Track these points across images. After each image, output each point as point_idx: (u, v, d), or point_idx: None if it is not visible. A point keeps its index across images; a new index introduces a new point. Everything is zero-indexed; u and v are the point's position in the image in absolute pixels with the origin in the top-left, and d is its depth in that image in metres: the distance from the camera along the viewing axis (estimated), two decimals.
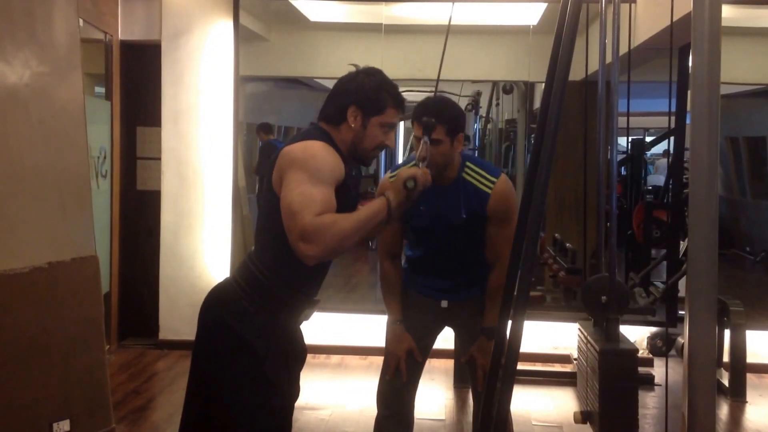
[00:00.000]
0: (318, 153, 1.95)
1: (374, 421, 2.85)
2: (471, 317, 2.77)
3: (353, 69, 2.15)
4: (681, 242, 5.10)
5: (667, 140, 7.55)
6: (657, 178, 10.19)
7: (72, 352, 3.13)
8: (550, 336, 5.03)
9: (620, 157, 6.72)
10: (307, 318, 2.18)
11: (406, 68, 5.62)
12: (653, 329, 5.09)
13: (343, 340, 5.12)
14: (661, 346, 4.98)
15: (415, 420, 2.90)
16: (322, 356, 5.02)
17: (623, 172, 7.27)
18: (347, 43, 6.09)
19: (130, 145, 5.24)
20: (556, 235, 5.81)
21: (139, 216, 5.26)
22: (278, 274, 2.05)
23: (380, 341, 3.01)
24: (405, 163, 2.79)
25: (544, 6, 5.32)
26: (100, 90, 5.18)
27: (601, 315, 2.85)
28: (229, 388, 2.05)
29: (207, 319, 2.12)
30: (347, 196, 2.00)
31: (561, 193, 5.94)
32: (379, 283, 2.91)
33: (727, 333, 4.45)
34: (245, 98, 5.73)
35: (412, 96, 5.30)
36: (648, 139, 9.05)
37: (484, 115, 7.75)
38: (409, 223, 2.74)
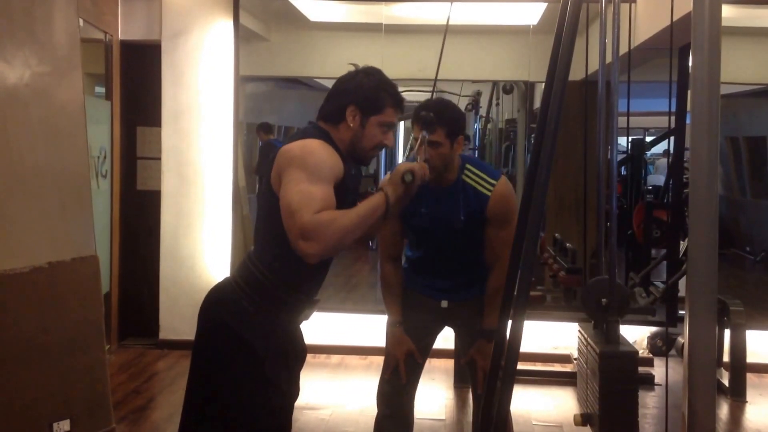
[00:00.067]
0: (316, 151, 1.95)
1: (374, 421, 2.85)
2: (471, 317, 2.77)
3: (352, 68, 2.15)
4: (681, 242, 5.10)
5: (667, 140, 7.55)
6: (657, 178, 10.18)
7: (72, 352, 3.13)
8: (550, 336, 5.03)
9: (620, 156, 6.72)
10: (306, 318, 2.17)
11: (406, 68, 5.62)
12: (653, 329, 5.09)
13: (343, 340, 5.12)
14: (661, 346, 4.98)
15: (415, 419, 2.90)
16: (323, 356, 5.02)
17: (623, 171, 7.27)
18: (347, 43, 6.09)
19: (130, 145, 5.24)
20: (556, 234, 5.81)
21: (139, 216, 5.26)
22: (278, 274, 2.05)
23: (380, 341, 3.01)
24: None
25: (544, 6, 5.32)
26: (100, 90, 5.18)
27: (601, 317, 2.85)
28: (228, 388, 2.05)
29: (206, 319, 2.12)
30: (346, 194, 2.00)
31: (561, 192, 5.94)
32: (379, 283, 2.91)
33: (727, 333, 4.45)
34: (245, 98, 5.73)
35: (412, 96, 5.31)
36: (648, 138, 9.05)
37: (484, 114, 7.75)
38: (408, 224, 2.74)
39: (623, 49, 3.00)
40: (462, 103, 7.24)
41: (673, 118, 4.78)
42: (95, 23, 4.79)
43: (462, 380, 4.42)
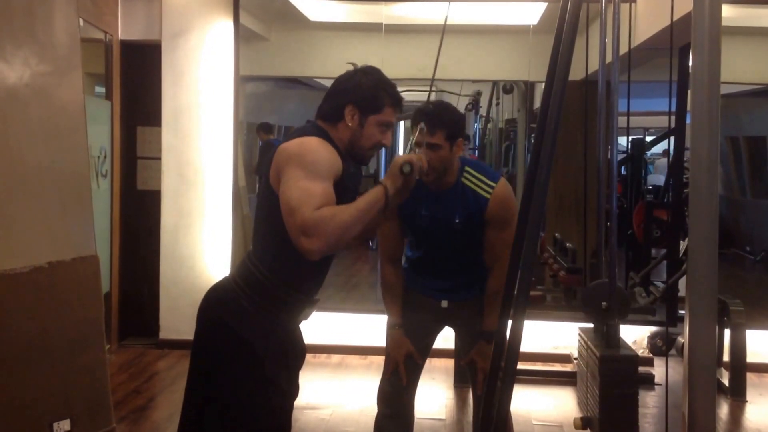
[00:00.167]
0: (314, 148, 1.95)
1: (374, 421, 2.85)
2: (471, 317, 2.77)
3: (351, 68, 2.15)
4: (681, 242, 5.10)
5: (666, 140, 7.55)
6: (657, 178, 10.18)
7: (72, 352, 3.13)
8: (550, 336, 5.03)
9: (620, 156, 6.72)
10: (306, 317, 2.17)
11: (406, 68, 5.62)
12: (653, 329, 5.09)
13: (343, 340, 5.12)
14: (662, 346, 4.98)
15: (416, 419, 2.91)
16: (323, 356, 5.02)
17: (623, 171, 7.27)
18: (347, 42, 6.09)
19: (131, 144, 5.24)
20: (557, 234, 5.81)
21: (139, 216, 5.26)
22: (278, 273, 2.05)
23: (381, 341, 3.01)
24: None
25: (544, 6, 5.33)
26: (100, 90, 5.18)
27: (601, 321, 2.85)
28: (228, 388, 2.05)
29: (206, 319, 2.12)
30: (345, 193, 1.99)
31: (561, 192, 5.94)
32: (379, 282, 2.91)
33: (727, 332, 4.45)
34: (245, 98, 5.73)
35: (412, 96, 5.31)
36: (648, 138, 9.04)
37: (484, 114, 7.75)
38: (408, 226, 2.75)
39: (623, 48, 3.01)
40: (462, 103, 7.24)
41: (673, 117, 4.78)
42: (95, 23, 4.79)
43: (462, 380, 4.42)
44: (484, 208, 2.63)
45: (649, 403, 4.30)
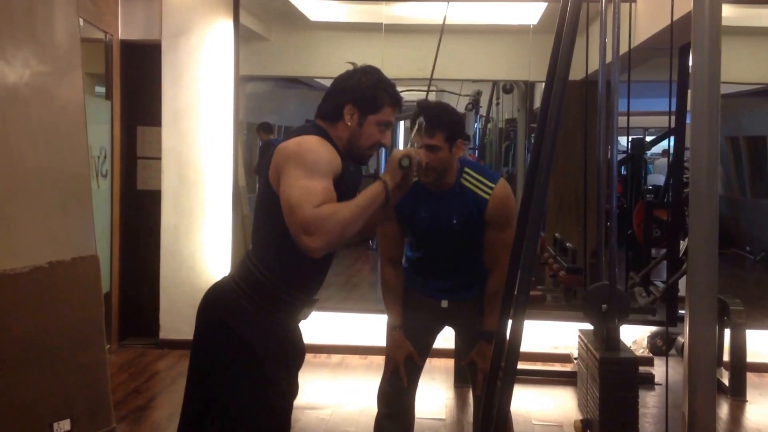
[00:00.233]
0: (313, 147, 1.95)
1: (374, 421, 2.85)
2: (471, 317, 2.77)
3: (351, 67, 2.15)
4: (681, 241, 5.10)
5: (666, 140, 7.55)
6: (657, 178, 10.19)
7: (72, 352, 3.13)
8: (550, 336, 5.03)
9: (620, 156, 6.72)
10: (305, 317, 2.17)
11: (407, 68, 5.62)
12: (653, 328, 5.09)
13: (343, 340, 5.12)
14: (662, 346, 4.98)
15: (416, 419, 2.91)
16: (323, 356, 5.02)
17: (623, 171, 7.27)
18: (347, 42, 6.09)
19: (131, 144, 5.24)
20: (557, 234, 5.81)
21: (139, 216, 5.26)
22: (278, 273, 2.05)
23: (381, 341, 3.01)
24: None
25: (544, 5, 5.33)
26: (100, 90, 5.18)
27: (601, 323, 2.85)
28: (228, 388, 2.05)
29: (205, 319, 2.12)
30: (345, 192, 1.98)
31: (561, 192, 5.94)
32: (379, 282, 2.91)
33: (727, 332, 4.45)
34: (245, 98, 5.73)
35: (412, 96, 5.30)
36: (648, 138, 9.05)
37: (484, 114, 7.75)
38: (408, 227, 2.75)
39: (623, 48, 3.00)
40: (462, 103, 7.25)
41: (673, 117, 4.78)
42: (95, 23, 4.79)
43: (462, 380, 4.42)
44: (483, 209, 2.63)
45: (649, 402, 4.30)
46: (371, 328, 4.99)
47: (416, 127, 2.26)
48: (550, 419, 4.05)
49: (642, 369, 4.56)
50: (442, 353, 4.47)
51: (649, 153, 10.59)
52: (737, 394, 4.37)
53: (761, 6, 5.09)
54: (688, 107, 1.80)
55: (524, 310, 2.19)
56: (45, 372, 3.03)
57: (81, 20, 3.82)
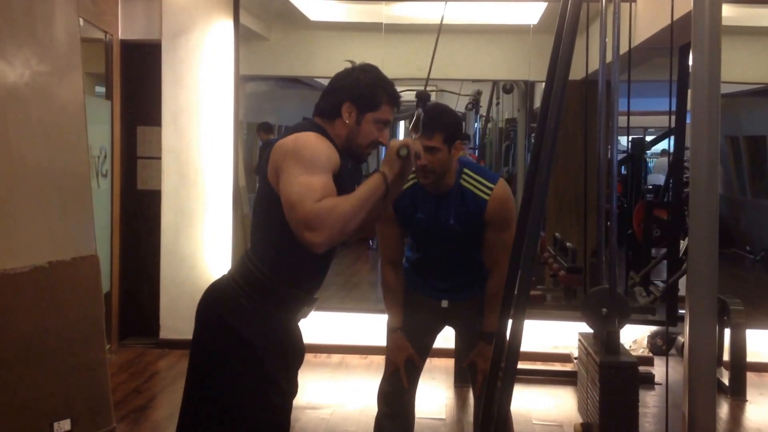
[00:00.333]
0: (311, 142, 1.94)
1: (374, 420, 2.85)
2: (471, 317, 2.77)
3: (349, 65, 2.14)
4: (681, 241, 5.10)
5: (666, 139, 7.55)
6: (657, 178, 10.19)
7: (72, 352, 3.13)
8: (550, 335, 5.03)
9: (620, 156, 6.72)
10: (305, 316, 2.16)
11: (406, 68, 5.62)
12: (653, 328, 5.09)
13: (343, 340, 5.12)
14: (662, 345, 4.98)
15: (416, 419, 2.91)
16: (323, 355, 5.02)
17: (623, 171, 7.27)
18: (347, 42, 6.09)
19: (131, 144, 5.24)
20: (557, 234, 5.81)
21: (140, 215, 5.26)
22: (277, 271, 2.04)
23: (381, 340, 3.01)
24: None
25: (544, 5, 5.33)
26: (101, 89, 5.18)
27: (601, 327, 2.84)
28: (228, 387, 2.05)
29: (205, 317, 2.11)
30: (344, 189, 1.97)
31: (561, 192, 5.93)
32: (379, 282, 2.91)
33: (727, 332, 4.45)
34: (245, 97, 5.73)
35: (411, 95, 5.30)
36: (648, 138, 9.05)
37: (484, 114, 7.75)
38: (408, 228, 2.75)
39: (623, 48, 3.01)
40: (462, 103, 7.25)
41: (673, 117, 4.78)
42: (95, 23, 4.79)
43: (462, 380, 4.42)
44: (483, 210, 2.63)
45: (649, 402, 4.30)
46: (371, 328, 4.99)
47: (414, 118, 2.25)
48: (550, 419, 4.05)
49: (642, 369, 4.56)
50: (442, 353, 4.47)
51: (649, 153, 10.60)
52: (737, 394, 4.38)
53: (761, 6, 5.09)
54: (688, 107, 1.80)
55: (524, 310, 2.19)
56: (45, 372, 3.03)
57: (81, 20, 3.82)
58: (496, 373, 2.35)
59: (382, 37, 5.41)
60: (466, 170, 2.67)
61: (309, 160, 1.89)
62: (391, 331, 2.79)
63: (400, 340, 2.76)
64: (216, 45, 5.09)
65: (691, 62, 1.75)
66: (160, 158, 5.13)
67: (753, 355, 4.58)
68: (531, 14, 5.59)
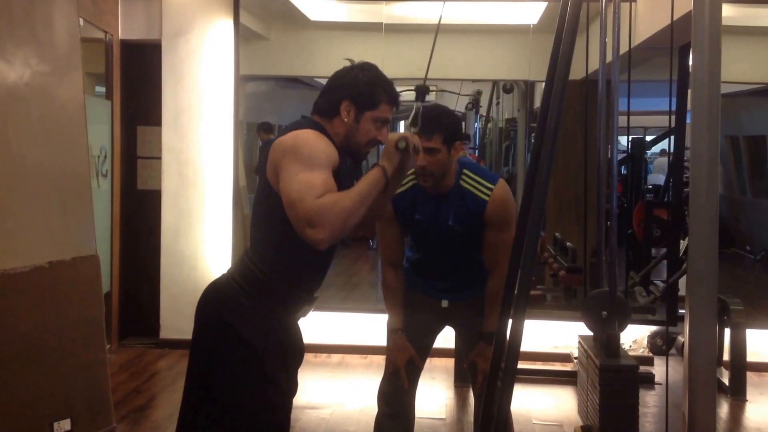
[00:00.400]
0: (309, 140, 1.94)
1: (375, 420, 2.85)
2: (471, 317, 2.77)
3: (348, 64, 2.14)
4: (681, 241, 5.10)
5: (666, 139, 7.55)
6: (657, 177, 10.19)
7: (72, 352, 3.14)
8: (550, 335, 5.03)
9: (620, 156, 6.72)
10: (304, 315, 2.16)
11: (406, 67, 5.62)
12: (653, 328, 5.09)
13: (343, 339, 5.12)
14: (662, 345, 4.98)
15: (416, 418, 2.91)
16: (323, 355, 5.02)
17: (623, 171, 7.27)
18: (347, 42, 6.09)
19: (131, 144, 5.24)
20: (557, 234, 5.82)
21: (140, 215, 5.26)
22: (277, 270, 2.04)
23: (381, 340, 3.01)
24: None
25: (544, 5, 5.33)
26: (101, 89, 5.18)
27: (601, 330, 2.84)
28: (227, 386, 2.05)
29: (204, 317, 2.11)
30: (343, 186, 1.96)
31: (561, 192, 5.94)
32: (379, 282, 2.91)
33: (727, 332, 4.45)
34: (245, 97, 5.73)
35: (411, 95, 5.30)
36: (648, 138, 9.05)
37: (484, 114, 7.75)
38: (408, 229, 2.75)
39: (623, 48, 3.00)
40: (462, 103, 7.25)
41: (673, 117, 4.78)
42: (95, 23, 4.79)
43: (462, 380, 4.42)
44: (482, 210, 2.63)
45: (649, 402, 4.30)
46: (371, 327, 4.99)
47: (413, 113, 2.25)
48: (550, 419, 4.05)
49: (642, 368, 4.56)
50: (442, 353, 4.47)
51: (649, 152, 10.60)
52: (737, 394, 4.38)
53: (761, 6, 5.09)
54: (688, 107, 1.80)
55: (524, 310, 2.19)
56: (45, 372, 3.04)
57: (81, 20, 3.82)
58: (496, 373, 2.35)
59: (382, 37, 5.41)
60: (465, 171, 2.67)
61: (308, 157, 1.89)
62: (392, 332, 2.79)
63: (400, 341, 2.76)
64: (216, 45, 5.09)
65: (691, 62, 1.75)
66: (160, 158, 5.13)
67: (753, 355, 4.58)
68: (531, 14, 5.59)
